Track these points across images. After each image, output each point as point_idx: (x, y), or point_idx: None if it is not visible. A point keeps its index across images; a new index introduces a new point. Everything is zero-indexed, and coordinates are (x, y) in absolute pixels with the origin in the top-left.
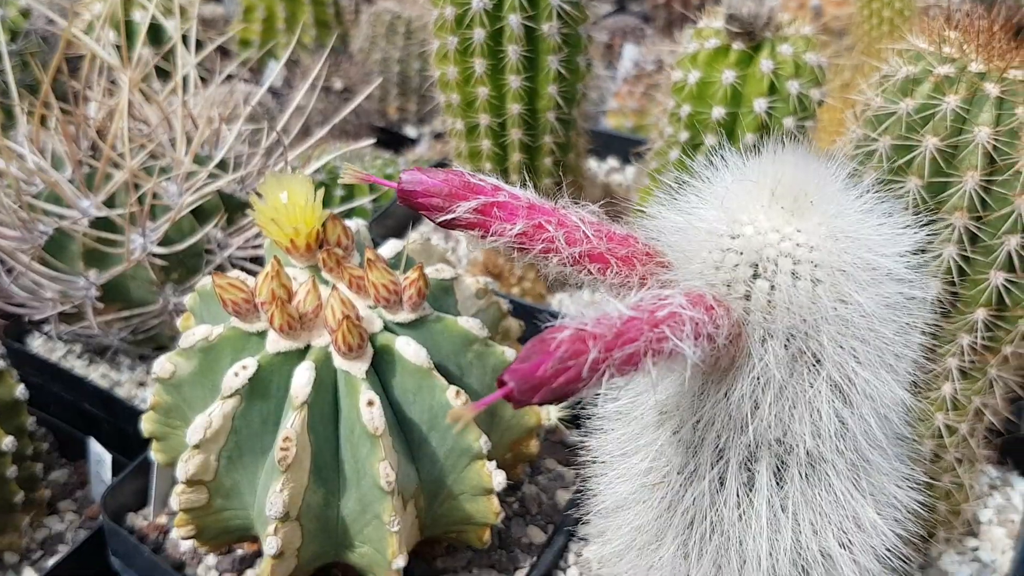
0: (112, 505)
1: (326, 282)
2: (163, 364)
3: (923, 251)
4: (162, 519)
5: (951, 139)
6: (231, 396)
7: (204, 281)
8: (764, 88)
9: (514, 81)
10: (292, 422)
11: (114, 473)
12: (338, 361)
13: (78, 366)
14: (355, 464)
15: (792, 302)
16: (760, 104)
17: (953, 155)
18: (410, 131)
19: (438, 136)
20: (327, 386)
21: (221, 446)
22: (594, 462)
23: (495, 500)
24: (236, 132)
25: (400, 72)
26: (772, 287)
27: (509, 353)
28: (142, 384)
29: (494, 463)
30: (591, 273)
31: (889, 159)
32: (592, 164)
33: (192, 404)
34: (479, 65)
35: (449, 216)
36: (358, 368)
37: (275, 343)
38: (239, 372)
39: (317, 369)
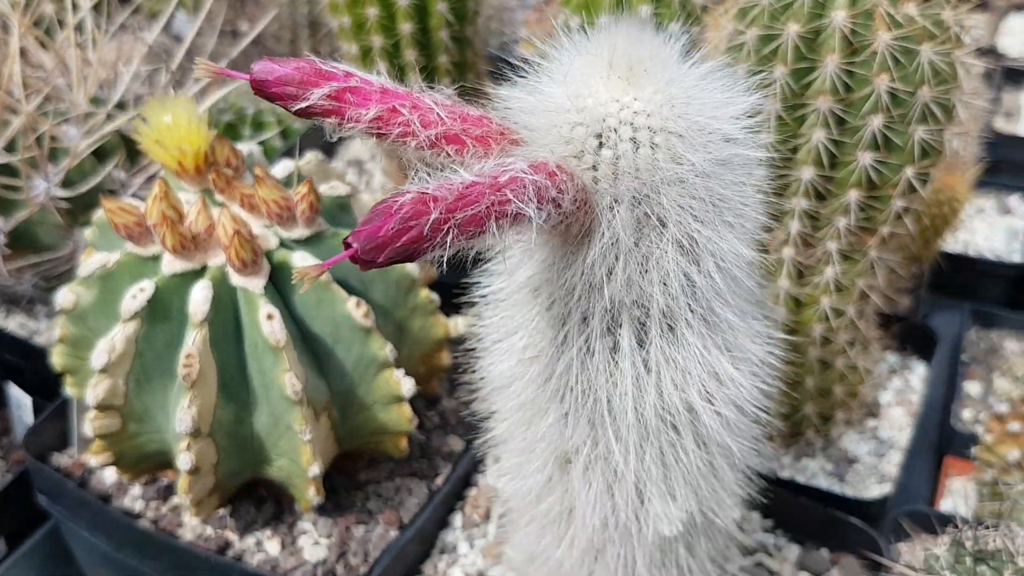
0: (35, 446)
1: (219, 204)
2: (65, 295)
3: (758, 113)
4: (87, 456)
5: (810, 25)
6: (131, 319)
7: (100, 212)
8: None
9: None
10: (193, 339)
11: (35, 415)
12: (235, 279)
13: None
14: (262, 378)
15: (634, 167)
16: (645, 10)
17: (814, 41)
18: None
19: None
20: (227, 304)
21: (127, 370)
22: (479, 347)
23: (407, 407)
24: (132, 72)
25: (309, 13)
26: (615, 155)
27: (409, 267)
28: None
29: (403, 371)
30: (448, 155)
31: (756, 50)
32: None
33: (98, 333)
34: None
35: (303, 104)
36: (255, 284)
37: (170, 264)
38: (136, 295)
39: (215, 287)
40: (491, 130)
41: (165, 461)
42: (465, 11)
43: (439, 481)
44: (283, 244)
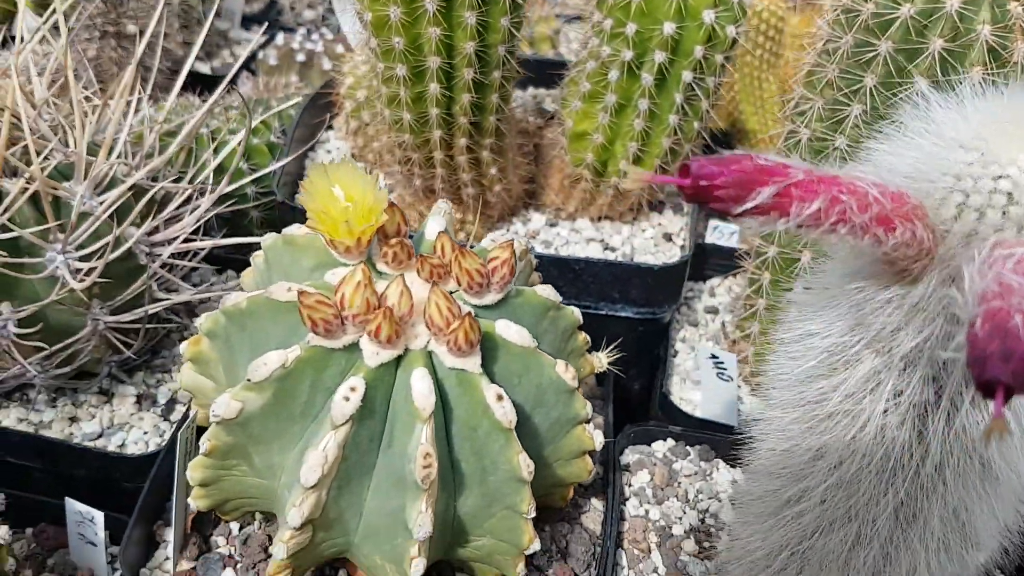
0: (127, 568)
1: (380, 274)
2: (228, 404)
3: None
4: (183, 564)
5: (954, 39)
6: (344, 424)
7: (234, 299)
8: None
9: (470, 17)
10: (424, 436)
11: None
12: (450, 360)
13: None
14: (479, 462)
15: None
16: (709, 15)
17: (956, 53)
18: (201, 67)
19: (251, 71)
20: (437, 389)
21: (332, 478)
22: None
23: (589, 459)
24: (120, 106)
25: (181, 3)
26: None
27: (577, 311)
28: (74, 419)
29: (591, 423)
30: (876, 237)
31: (894, 62)
32: None
33: (260, 438)
34: (430, 2)
35: (748, 206)
36: (473, 364)
37: (375, 355)
38: (349, 396)
39: (431, 374)
40: (912, 207)
41: (334, 564)
42: (521, 23)
43: (588, 521)
44: (476, 313)
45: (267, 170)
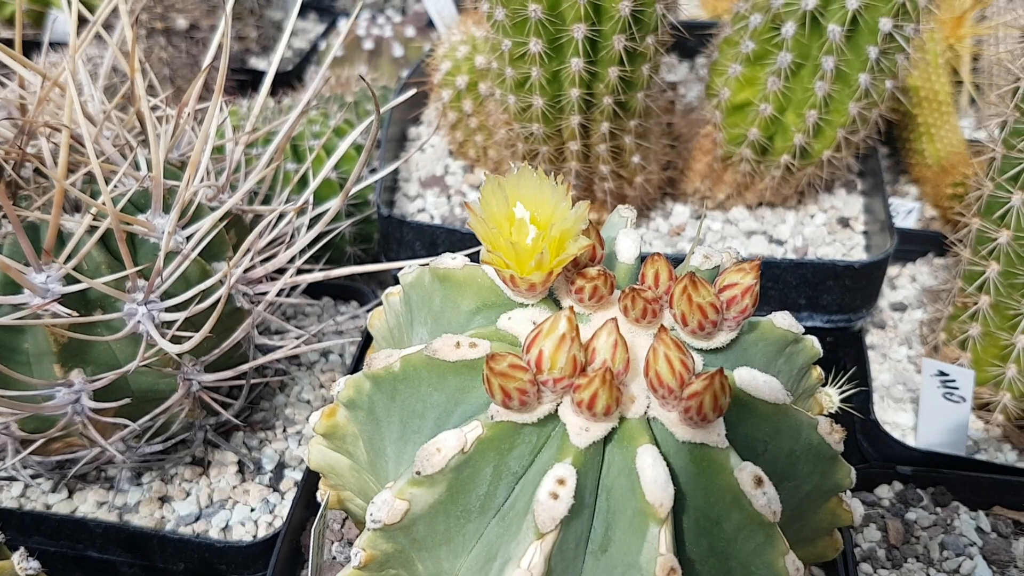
0: None
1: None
2: (391, 505)
3: None
4: None
5: None
6: (552, 531)
7: (383, 359)
8: None
9: None
10: (662, 543)
11: None
12: (683, 432)
13: (57, 503)
14: (721, 565)
15: None
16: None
17: None
18: (258, 63)
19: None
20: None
21: None
22: None
23: (838, 535)
24: (214, 121)
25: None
26: None
27: (817, 342)
28: (164, 499)
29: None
30: None
31: None
32: None
33: (426, 542)
34: None
35: None
36: (716, 436)
37: (583, 433)
38: (558, 492)
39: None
40: None
41: None
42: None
43: None
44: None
45: (376, 177)
